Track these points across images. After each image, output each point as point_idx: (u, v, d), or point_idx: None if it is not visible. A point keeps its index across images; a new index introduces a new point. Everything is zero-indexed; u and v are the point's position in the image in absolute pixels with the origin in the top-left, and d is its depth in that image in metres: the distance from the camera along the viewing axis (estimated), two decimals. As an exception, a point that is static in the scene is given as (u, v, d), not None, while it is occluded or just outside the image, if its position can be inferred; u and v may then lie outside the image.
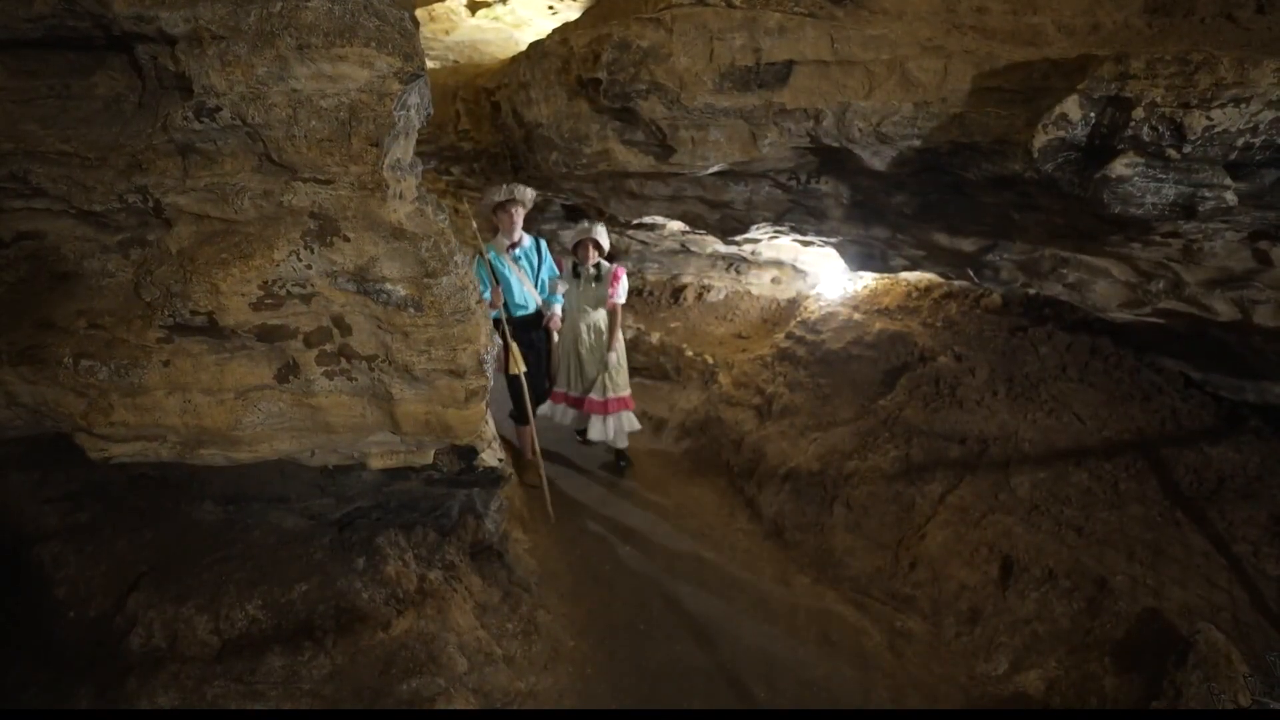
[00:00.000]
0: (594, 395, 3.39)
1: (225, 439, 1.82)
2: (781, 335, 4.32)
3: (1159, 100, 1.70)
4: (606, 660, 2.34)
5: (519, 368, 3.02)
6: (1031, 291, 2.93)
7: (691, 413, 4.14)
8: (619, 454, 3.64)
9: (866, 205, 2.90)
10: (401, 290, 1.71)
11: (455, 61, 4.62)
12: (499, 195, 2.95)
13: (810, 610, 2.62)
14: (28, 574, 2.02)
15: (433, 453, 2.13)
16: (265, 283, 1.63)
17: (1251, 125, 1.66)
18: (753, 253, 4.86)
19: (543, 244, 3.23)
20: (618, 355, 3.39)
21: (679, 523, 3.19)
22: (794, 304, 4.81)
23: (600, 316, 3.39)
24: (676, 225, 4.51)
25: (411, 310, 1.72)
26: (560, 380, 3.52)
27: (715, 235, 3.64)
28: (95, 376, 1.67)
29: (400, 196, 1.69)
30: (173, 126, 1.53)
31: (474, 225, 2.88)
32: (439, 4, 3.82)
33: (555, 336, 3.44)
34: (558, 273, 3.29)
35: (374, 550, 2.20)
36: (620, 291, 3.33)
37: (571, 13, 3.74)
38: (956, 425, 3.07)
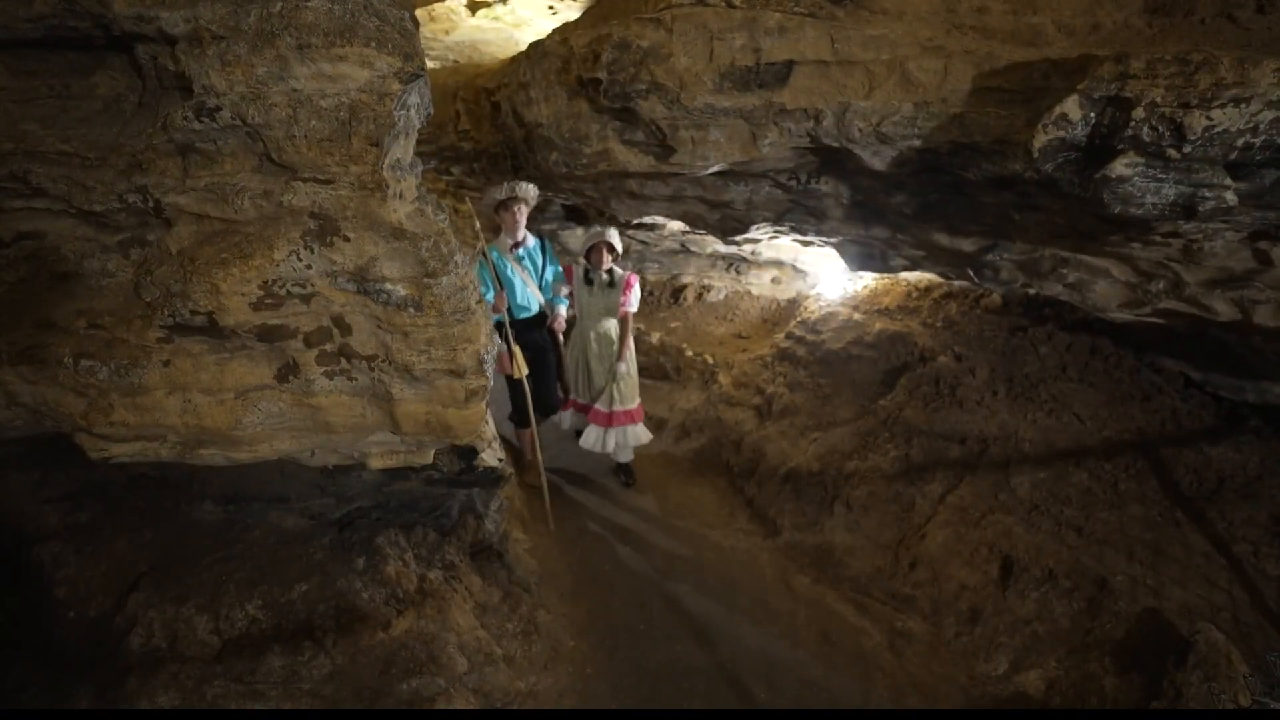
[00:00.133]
0: (599, 406, 3.29)
1: (225, 439, 1.82)
2: (781, 335, 4.32)
3: (1159, 100, 1.70)
4: (606, 660, 2.34)
5: (520, 371, 2.96)
6: (1031, 291, 2.93)
7: (691, 413, 4.14)
8: (621, 468, 3.49)
9: (866, 205, 2.90)
10: (401, 290, 1.71)
11: (455, 61, 4.62)
12: (501, 193, 2.88)
13: (810, 610, 2.62)
14: (28, 574, 2.02)
15: (433, 453, 2.13)
16: (265, 283, 1.63)
17: (1251, 125, 1.66)
18: (753, 253, 4.86)
19: (547, 243, 3.14)
20: (627, 366, 3.26)
21: (679, 523, 3.19)
22: (794, 304, 4.81)
23: (612, 325, 3.26)
24: (676, 225, 4.51)
25: (411, 310, 1.72)
26: (571, 388, 3.43)
27: (715, 235, 3.63)
28: (95, 376, 1.67)
29: (400, 196, 1.69)
30: (173, 126, 1.53)
31: (477, 224, 2.82)
32: (439, 4, 3.82)
33: (560, 339, 3.32)
34: (562, 274, 3.17)
35: (374, 550, 2.20)
36: (633, 300, 3.21)
37: (571, 13, 3.74)
38: (956, 425, 3.07)
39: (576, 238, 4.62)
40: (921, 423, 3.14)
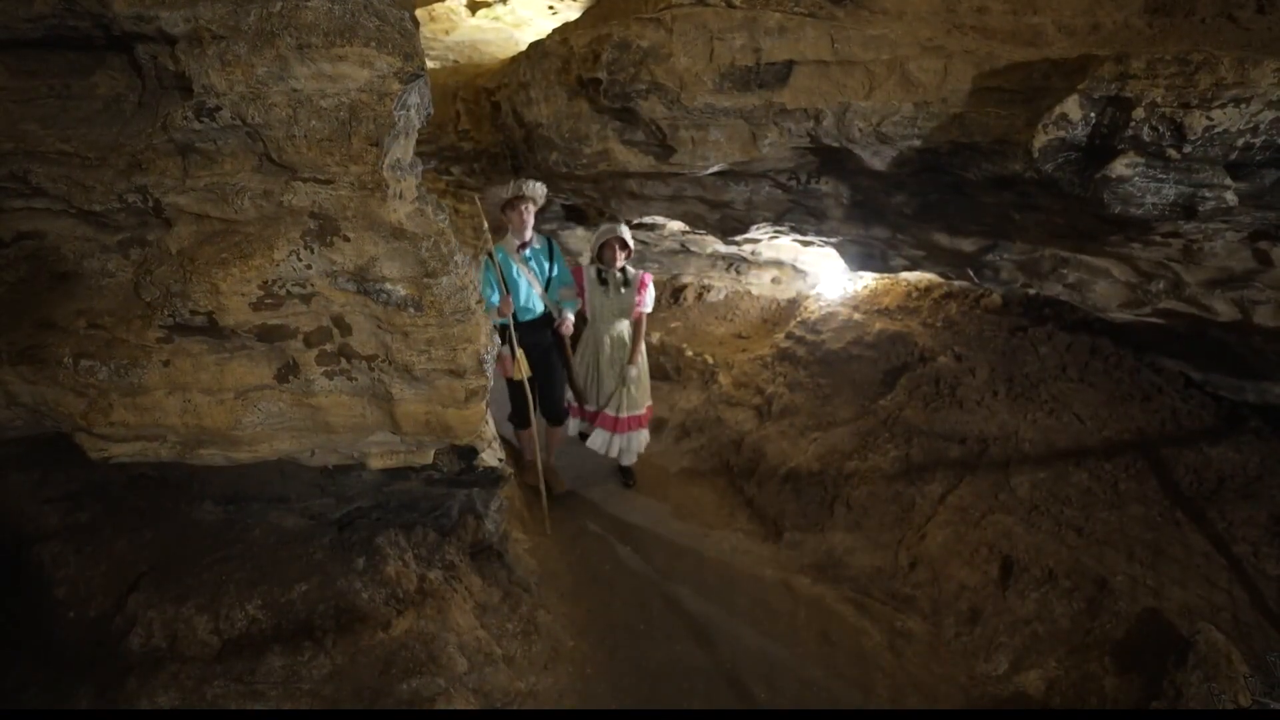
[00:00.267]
0: (608, 410, 3.20)
1: (225, 439, 1.82)
2: (781, 335, 4.32)
3: (1159, 100, 1.70)
4: (606, 660, 2.34)
5: (521, 374, 2.91)
6: (1031, 291, 2.93)
7: (691, 413, 4.14)
8: (625, 470, 3.47)
9: (866, 205, 2.90)
10: (401, 290, 1.71)
11: (455, 61, 4.62)
12: (508, 192, 2.81)
13: (810, 610, 2.62)
14: (28, 574, 2.02)
15: (433, 453, 2.13)
16: (265, 282, 1.63)
17: (1252, 125, 1.66)
18: (753, 253, 4.86)
19: (554, 244, 3.06)
20: (639, 370, 3.17)
21: (679, 523, 3.19)
22: (794, 304, 4.81)
23: (625, 327, 3.15)
24: (676, 225, 4.51)
25: (411, 310, 1.72)
26: (581, 394, 3.29)
27: (715, 235, 3.63)
28: (95, 376, 1.67)
29: (400, 196, 1.69)
30: (173, 126, 1.53)
31: (484, 224, 2.75)
32: (439, 4, 3.82)
33: (568, 343, 3.17)
34: (570, 278, 3.06)
35: (374, 550, 2.20)
36: (648, 300, 3.10)
37: (571, 13, 3.73)
38: (956, 425, 3.07)
39: (577, 238, 4.62)
40: (921, 423, 3.14)
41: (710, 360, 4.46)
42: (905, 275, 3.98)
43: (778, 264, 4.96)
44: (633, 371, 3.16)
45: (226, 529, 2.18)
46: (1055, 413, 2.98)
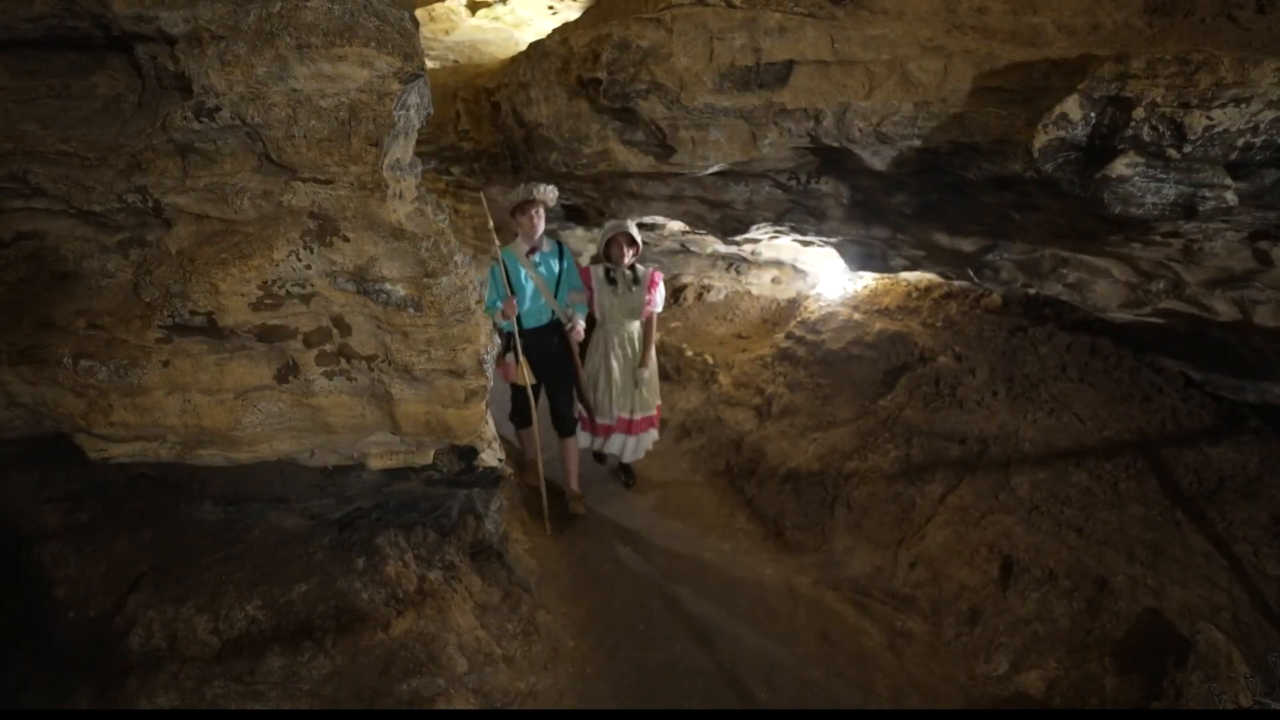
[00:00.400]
0: (622, 415, 3.11)
1: (225, 439, 1.82)
2: (781, 335, 4.32)
3: (1159, 100, 1.70)
4: (606, 660, 2.34)
5: (524, 380, 2.83)
6: (1031, 291, 2.93)
7: (691, 413, 4.14)
8: (623, 468, 3.42)
9: (866, 205, 2.90)
10: (401, 290, 1.71)
11: (455, 61, 4.62)
12: (519, 195, 2.72)
13: (810, 610, 2.62)
14: (28, 574, 2.02)
15: (432, 453, 2.13)
16: (265, 283, 1.63)
17: (1252, 125, 1.66)
18: (753, 253, 4.85)
19: (565, 249, 2.96)
20: (651, 371, 3.09)
21: (679, 523, 3.18)
22: (794, 304, 4.81)
23: (636, 329, 3.04)
24: (676, 225, 4.51)
25: (411, 310, 1.72)
26: (592, 406, 3.15)
27: (715, 235, 3.63)
28: (95, 377, 1.67)
29: (400, 196, 1.69)
30: (172, 126, 1.53)
31: (490, 223, 2.69)
32: (439, 4, 3.82)
33: (577, 349, 3.05)
34: (579, 282, 2.97)
35: (374, 550, 2.19)
36: (659, 299, 3.00)
37: (571, 12, 3.73)
38: (956, 425, 3.07)
39: (576, 238, 4.61)
40: (921, 423, 3.14)
41: (710, 360, 4.46)
42: (905, 275, 3.98)
43: (778, 264, 4.95)
44: (645, 373, 3.08)
45: (226, 529, 2.18)
46: (1055, 413, 2.98)
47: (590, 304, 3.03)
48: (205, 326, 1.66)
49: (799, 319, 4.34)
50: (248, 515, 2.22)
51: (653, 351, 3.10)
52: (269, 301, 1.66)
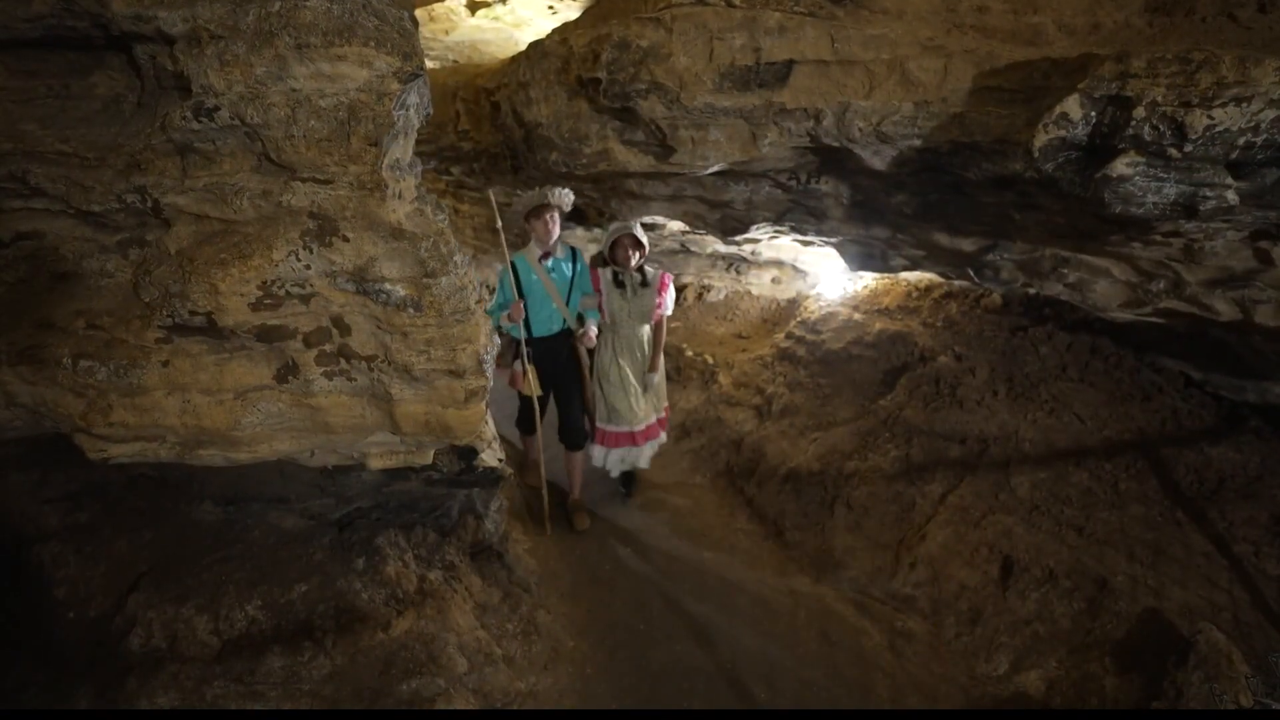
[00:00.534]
0: (629, 427, 2.98)
1: (224, 439, 1.81)
2: (781, 335, 4.32)
3: (1160, 99, 1.70)
4: (606, 660, 2.34)
5: (530, 390, 2.74)
6: (1032, 291, 2.93)
7: (691, 413, 4.13)
8: (628, 476, 3.26)
9: (866, 205, 2.90)
10: (401, 290, 1.71)
11: (455, 61, 4.62)
12: (534, 199, 2.63)
13: (810, 610, 2.62)
14: (28, 574, 2.02)
15: (432, 453, 2.13)
16: (264, 283, 1.63)
17: (1253, 124, 1.66)
18: (753, 253, 4.85)
19: (579, 254, 2.85)
20: (660, 376, 3.01)
21: (679, 523, 3.18)
22: (794, 304, 4.80)
23: (646, 333, 2.92)
24: (676, 225, 4.51)
25: (411, 310, 1.72)
26: (600, 414, 3.01)
27: (715, 235, 3.63)
28: (94, 377, 1.67)
29: (399, 196, 1.69)
30: (171, 126, 1.52)
31: (499, 221, 2.62)
32: (439, 4, 3.81)
33: (586, 356, 2.97)
34: (591, 287, 2.87)
35: (374, 550, 2.20)
36: (669, 301, 2.90)
37: (571, 12, 3.73)
38: (957, 425, 3.07)
39: (576, 238, 4.61)
40: (921, 423, 3.14)
41: (710, 360, 4.46)
42: (905, 275, 3.97)
43: (778, 264, 4.95)
44: (654, 378, 2.99)
45: (226, 529, 2.18)
46: (1055, 412, 2.98)
47: (600, 308, 2.94)
48: (205, 327, 1.66)
49: (799, 319, 4.34)
50: (248, 515, 2.22)
51: (662, 355, 3.01)
52: (268, 301, 1.65)
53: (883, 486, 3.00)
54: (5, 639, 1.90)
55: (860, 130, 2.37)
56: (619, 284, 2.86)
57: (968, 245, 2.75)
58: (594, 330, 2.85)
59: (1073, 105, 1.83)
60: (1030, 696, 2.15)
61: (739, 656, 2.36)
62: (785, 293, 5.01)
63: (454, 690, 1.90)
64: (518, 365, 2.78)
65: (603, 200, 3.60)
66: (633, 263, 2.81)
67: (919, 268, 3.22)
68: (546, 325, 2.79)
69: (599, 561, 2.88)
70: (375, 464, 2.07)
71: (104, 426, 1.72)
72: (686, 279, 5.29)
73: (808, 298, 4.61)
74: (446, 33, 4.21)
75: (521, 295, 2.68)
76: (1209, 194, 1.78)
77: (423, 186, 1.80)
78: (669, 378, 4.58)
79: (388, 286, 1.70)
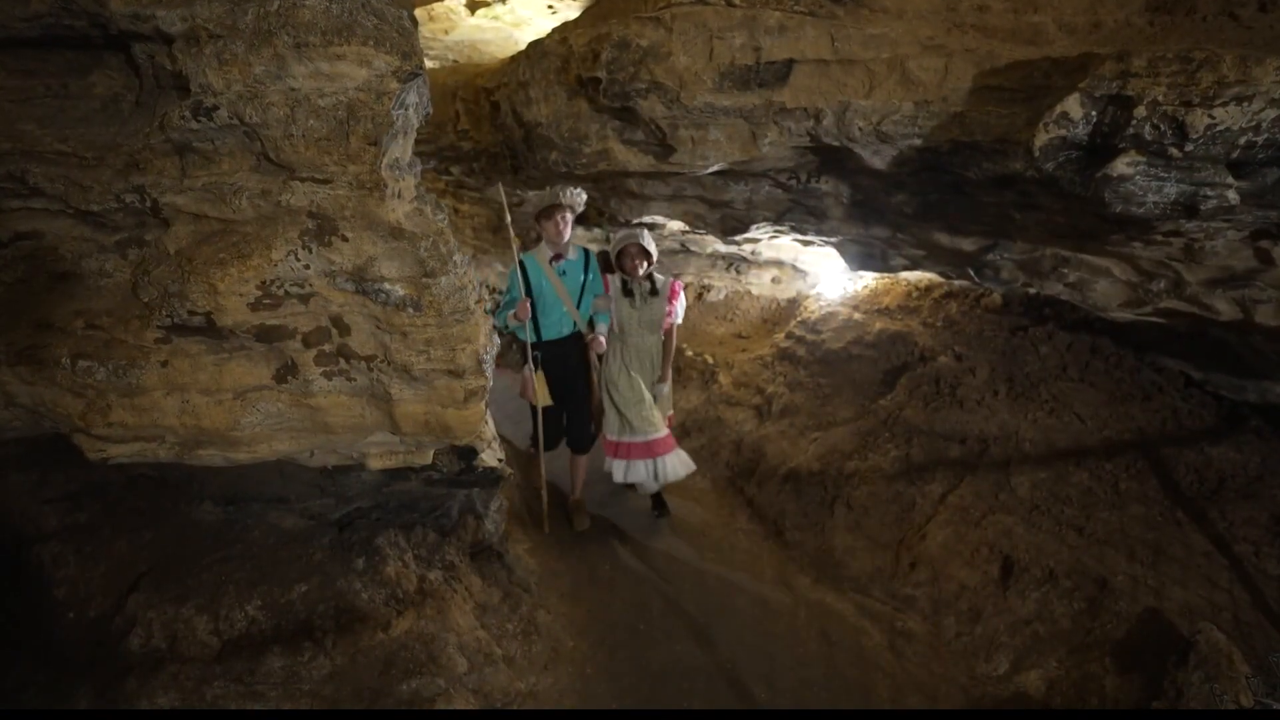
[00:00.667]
0: (641, 438, 2.87)
1: (224, 440, 1.81)
2: (781, 335, 4.32)
3: (1161, 99, 1.69)
4: (606, 660, 2.34)
5: (540, 399, 2.67)
6: (1032, 291, 2.93)
7: (691, 413, 4.13)
8: (659, 500, 3.10)
9: (867, 205, 2.90)
10: (400, 290, 1.70)
11: (454, 61, 4.61)
12: (545, 200, 2.56)
13: (810, 610, 2.61)
14: (27, 574, 2.02)
15: (432, 453, 2.13)
16: (263, 283, 1.63)
17: (1254, 123, 1.65)
18: (753, 252, 4.85)
19: (591, 257, 2.77)
20: (668, 386, 2.93)
21: (679, 523, 3.18)
22: (794, 304, 4.80)
23: (655, 342, 2.85)
24: (676, 225, 4.51)
25: (410, 310, 1.72)
26: (610, 426, 2.92)
27: (715, 235, 3.63)
28: (93, 377, 1.66)
29: (399, 196, 1.68)
30: (170, 126, 1.52)
31: (508, 218, 2.58)
32: (438, 3, 3.81)
33: (596, 361, 2.90)
34: (602, 288, 2.81)
35: (374, 551, 2.19)
36: (679, 310, 2.83)
37: (571, 12, 3.73)
38: (957, 425, 3.07)
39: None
40: (922, 422, 3.14)
41: (710, 360, 4.45)
42: (905, 275, 3.97)
43: (778, 264, 4.95)
44: (664, 389, 2.92)
45: (226, 529, 2.17)
46: (1056, 412, 2.97)
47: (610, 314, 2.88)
48: (204, 326, 1.66)
49: (799, 319, 4.34)
50: (247, 515, 2.22)
51: (670, 364, 2.92)
52: (267, 301, 1.65)
53: (883, 486, 3.00)
54: (5, 639, 1.90)
55: (860, 129, 2.37)
56: (627, 292, 2.78)
57: (968, 245, 2.75)
58: (604, 335, 2.78)
59: (1073, 104, 1.83)
60: (1030, 696, 2.15)
61: (739, 656, 2.36)
62: (785, 292, 5.01)
63: (454, 690, 1.90)
64: (526, 371, 2.68)
65: (603, 200, 3.60)
66: (640, 272, 2.74)
67: (919, 267, 3.22)
68: (557, 328, 2.73)
69: (599, 561, 2.88)
70: (375, 464, 2.07)
71: (103, 427, 1.72)
72: (686, 279, 5.28)
73: (808, 297, 4.61)
74: (446, 32, 4.20)
75: (531, 296, 2.62)
76: (1210, 193, 1.77)
77: (422, 186, 1.80)
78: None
79: (387, 286, 1.70)
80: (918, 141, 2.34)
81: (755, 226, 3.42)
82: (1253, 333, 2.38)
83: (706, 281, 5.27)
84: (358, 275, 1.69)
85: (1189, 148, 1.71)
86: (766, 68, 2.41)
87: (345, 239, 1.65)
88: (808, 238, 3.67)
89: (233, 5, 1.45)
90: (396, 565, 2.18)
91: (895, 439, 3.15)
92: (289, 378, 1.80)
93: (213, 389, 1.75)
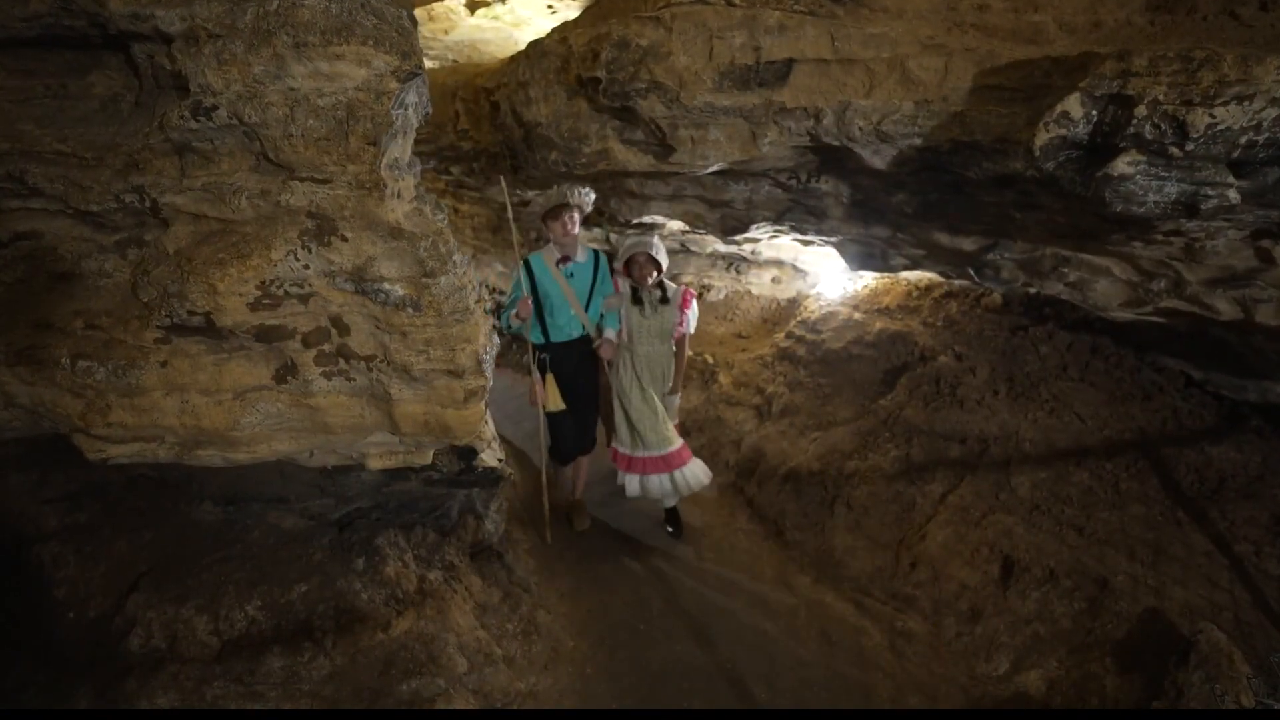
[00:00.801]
0: (656, 452, 2.81)
1: (223, 440, 1.81)
2: (781, 335, 4.32)
3: (1161, 98, 1.69)
4: (606, 660, 2.34)
5: (551, 403, 2.59)
6: (1032, 291, 2.92)
7: (691, 412, 4.13)
8: (673, 516, 3.03)
9: (867, 204, 2.89)
10: (400, 290, 1.70)
11: (454, 61, 4.61)
12: (552, 198, 2.49)
13: (810, 610, 2.61)
14: (28, 574, 2.02)
15: (432, 453, 2.13)
16: (263, 283, 1.63)
17: (1255, 123, 1.65)
18: (753, 252, 4.85)
19: (602, 260, 2.69)
20: (678, 398, 2.88)
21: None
22: (794, 303, 4.80)
23: (665, 352, 2.77)
24: (676, 225, 4.50)
25: (410, 310, 1.72)
26: (623, 439, 2.86)
27: (715, 235, 3.62)
28: (93, 377, 1.66)
29: (398, 196, 1.68)
30: (169, 126, 1.52)
31: (510, 214, 2.54)
32: (438, 3, 3.80)
33: (606, 367, 2.83)
34: (612, 289, 2.74)
35: (374, 551, 2.19)
36: (691, 320, 2.75)
37: (571, 11, 3.72)
38: (957, 425, 3.07)
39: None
40: (922, 422, 3.14)
41: (710, 360, 4.45)
42: (905, 274, 3.97)
43: (778, 263, 4.94)
44: (676, 401, 2.85)
45: (226, 529, 2.17)
46: (1056, 412, 2.97)
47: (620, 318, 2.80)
48: (203, 327, 1.66)
49: (799, 318, 4.33)
50: (247, 515, 2.22)
51: (682, 378, 2.84)
52: (267, 301, 1.65)
53: (883, 486, 3.00)
54: (5, 639, 1.90)
55: (860, 129, 2.37)
56: (636, 300, 2.70)
57: (968, 244, 2.75)
58: (613, 338, 2.70)
59: (1074, 104, 1.82)
60: (1031, 696, 2.15)
61: (739, 656, 2.36)
62: (785, 292, 5.00)
63: (454, 690, 1.90)
64: (535, 376, 2.60)
65: (602, 200, 3.59)
66: (650, 281, 2.67)
67: (919, 267, 3.22)
68: (564, 332, 2.67)
69: (599, 561, 2.88)
70: (375, 464, 2.07)
71: (103, 427, 1.72)
72: (686, 279, 5.28)
73: (808, 297, 4.60)
74: (446, 32, 4.20)
75: (537, 298, 2.57)
76: (1210, 193, 1.77)
77: (422, 186, 1.80)
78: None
79: (386, 286, 1.70)
80: (918, 141, 2.33)
81: (755, 226, 3.41)
82: (1253, 332, 2.37)
83: (706, 281, 5.26)
84: (357, 275, 1.68)
85: (1190, 147, 1.71)
86: (766, 67, 2.41)
87: (345, 239, 1.65)
88: (808, 237, 3.66)
89: (232, 5, 1.45)
90: (396, 565, 2.18)
91: (895, 439, 3.15)
92: (288, 378, 1.80)
93: (212, 389, 1.75)
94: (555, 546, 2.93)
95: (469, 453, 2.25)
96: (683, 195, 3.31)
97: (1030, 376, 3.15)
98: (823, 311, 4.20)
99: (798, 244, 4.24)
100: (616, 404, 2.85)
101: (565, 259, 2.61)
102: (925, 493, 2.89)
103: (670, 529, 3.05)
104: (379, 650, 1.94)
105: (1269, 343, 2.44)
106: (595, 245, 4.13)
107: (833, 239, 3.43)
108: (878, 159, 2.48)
